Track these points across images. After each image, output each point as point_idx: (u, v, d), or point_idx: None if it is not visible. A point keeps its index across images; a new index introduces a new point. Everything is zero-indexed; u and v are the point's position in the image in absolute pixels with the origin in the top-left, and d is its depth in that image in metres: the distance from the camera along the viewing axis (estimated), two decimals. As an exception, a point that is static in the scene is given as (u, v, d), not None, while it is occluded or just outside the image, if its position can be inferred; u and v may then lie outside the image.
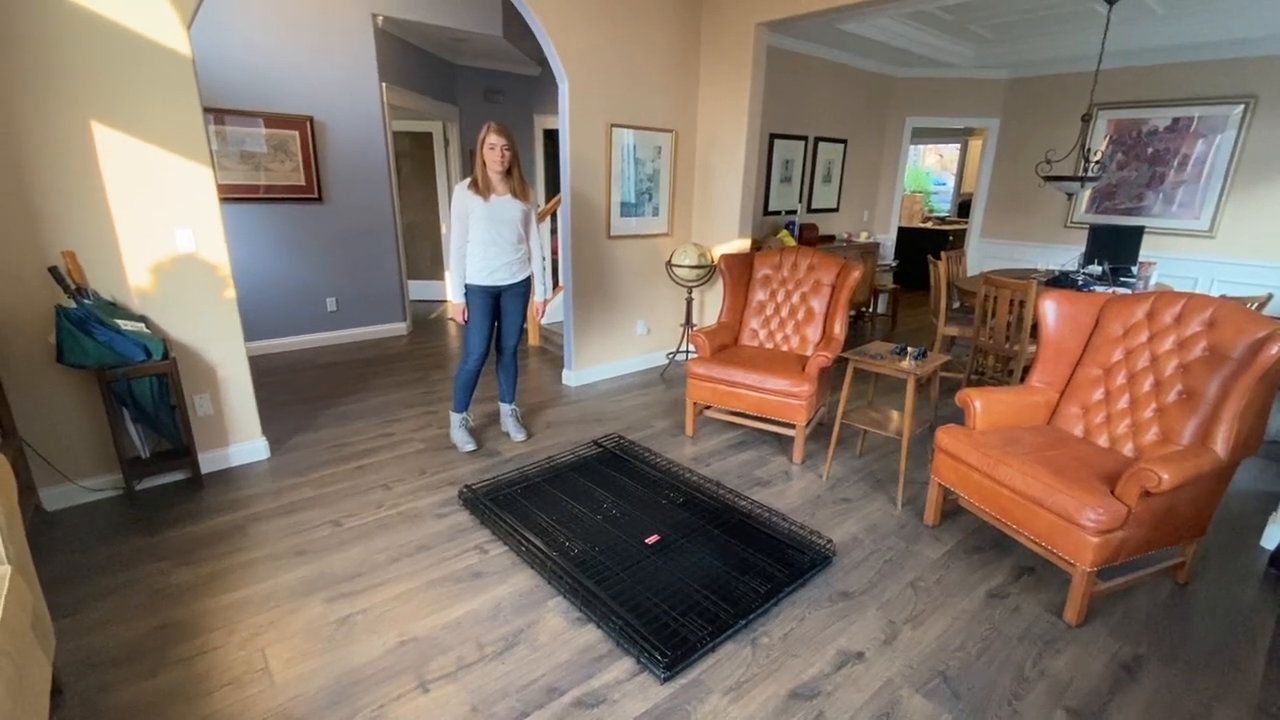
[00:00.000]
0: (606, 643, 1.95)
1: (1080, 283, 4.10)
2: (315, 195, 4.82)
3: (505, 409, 3.44)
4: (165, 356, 2.59)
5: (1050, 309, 2.68)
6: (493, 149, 2.87)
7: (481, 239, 2.99)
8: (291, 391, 4.05)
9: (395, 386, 4.21)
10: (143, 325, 2.58)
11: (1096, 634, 2.06)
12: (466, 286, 3.08)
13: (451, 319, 2.93)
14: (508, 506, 2.67)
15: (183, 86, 2.56)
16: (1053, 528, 2.09)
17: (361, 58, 4.80)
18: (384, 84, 4.96)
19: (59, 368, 2.51)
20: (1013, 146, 6.01)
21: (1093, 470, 2.17)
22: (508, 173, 2.95)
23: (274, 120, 4.54)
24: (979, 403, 2.50)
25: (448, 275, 6.80)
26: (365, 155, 5.01)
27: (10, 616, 1.38)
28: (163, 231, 2.64)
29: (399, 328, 5.55)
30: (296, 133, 4.64)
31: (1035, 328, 3.71)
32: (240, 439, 3.03)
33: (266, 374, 4.36)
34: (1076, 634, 2.06)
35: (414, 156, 6.37)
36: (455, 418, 3.29)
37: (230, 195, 4.47)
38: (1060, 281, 4.17)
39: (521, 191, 3.02)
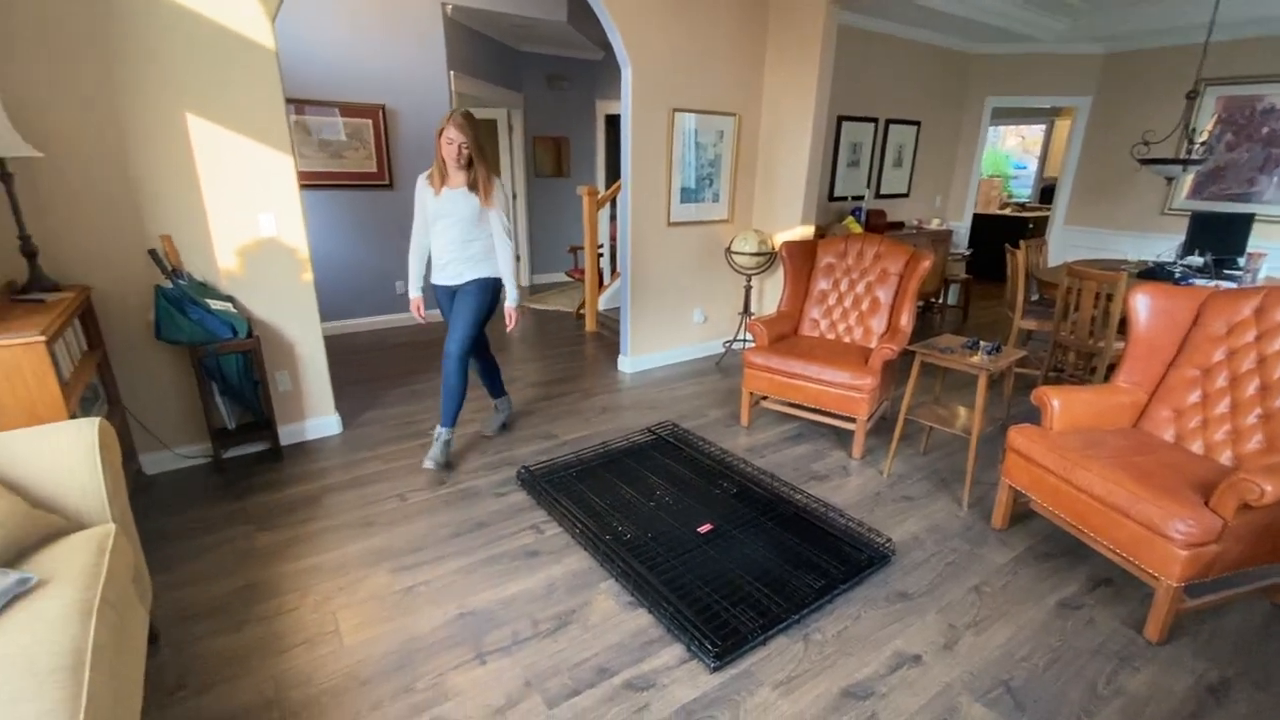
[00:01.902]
0: (657, 628, 1.97)
1: (1178, 275, 3.79)
2: (387, 182, 5.00)
3: (438, 429, 2.96)
4: (249, 335, 2.76)
5: (1143, 303, 2.49)
6: (450, 144, 2.65)
7: (436, 234, 2.84)
8: (362, 370, 4.25)
9: (458, 368, 4.34)
10: (230, 305, 2.76)
11: (1180, 654, 1.93)
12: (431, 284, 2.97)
13: (416, 313, 2.95)
14: (563, 489, 2.72)
15: (267, 78, 2.69)
16: (1136, 538, 1.96)
17: (431, 46, 4.92)
18: (452, 72, 5.07)
19: (157, 343, 2.72)
20: (1105, 127, 5.59)
21: (1184, 478, 2.02)
22: (467, 165, 2.72)
23: (349, 109, 4.72)
24: (1057, 402, 2.36)
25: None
26: (433, 142, 5.13)
27: (114, 570, 1.51)
28: (247, 217, 2.80)
29: (463, 311, 5.70)
30: (370, 121, 4.81)
31: (1123, 323, 3.46)
32: (315, 414, 3.21)
33: (339, 353, 4.58)
34: (1157, 652, 1.94)
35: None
36: (438, 430, 2.95)
37: (308, 182, 4.68)
38: (1154, 273, 3.87)
39: (483, 187, 2.74)
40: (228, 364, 2.77)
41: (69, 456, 1.63)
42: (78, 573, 1.44)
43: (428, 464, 2.86)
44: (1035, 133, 9.03)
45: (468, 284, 2.88)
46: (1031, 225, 7.55)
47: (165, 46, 2.48)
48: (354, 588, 2.13)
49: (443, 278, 2.91)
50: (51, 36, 2.30)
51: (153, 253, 2.53)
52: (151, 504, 2.59)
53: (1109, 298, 3.38)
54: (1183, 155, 4.09)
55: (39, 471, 1.60)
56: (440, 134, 2.66)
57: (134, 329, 2.67)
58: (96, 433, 1.67)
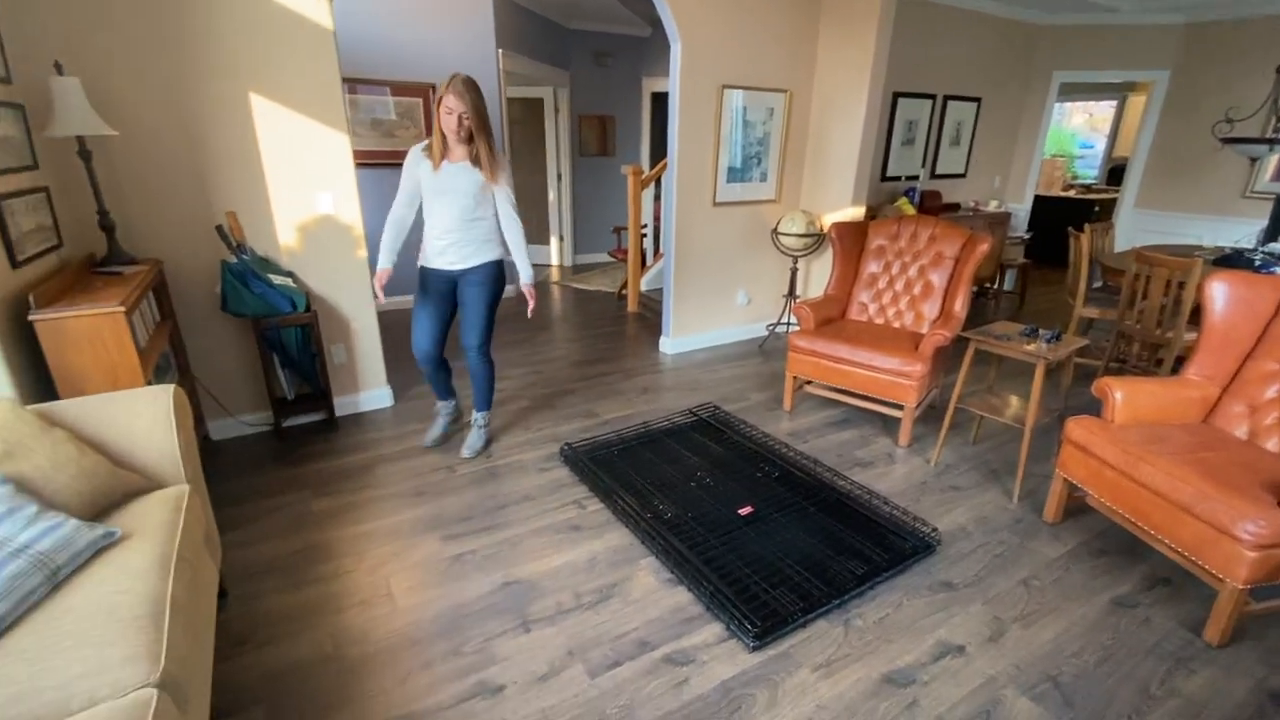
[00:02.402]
0: (696, 606, 2.00)
1: (1258, 263, 3.56)
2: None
3: (475, 416, 2.95)
4: (308, 309, 2.87)
5: (1219, 292, 2.36)
6: (449, 114, 2.37)
7: (431, 213, 2.59)
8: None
9: (504, 346, 4.42)
10: (290, 280, 2.86)
11: (1241, 657, 1.85)
12: (419, 268, 2.71)
13: (378, 285, 2.59)
14: (605, 466, 2.76)
15: (325, 58, 2.76)
16: (1200, 538, 1.88)
17: (480, 24, 4.93)
18: (500, 50, 5.09)
19: (222, 316, 2.85)
20: (1184, 103, 5.24)
21: (1256, 477, 1.92)
22: (468, 139, 2.47)
23: (400, 88, 4.79)
24: (1120, 393, 2.26)
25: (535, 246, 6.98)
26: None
27: (189, 528, 1.61)
28: (306, 194, 2.89)
29: (508, 290, 5.78)
30: (420, 100, 4.88)
31: (1195, 313, 3.28)
32: (369, 387, 3.32)
33: (391, 329, 4.71)
34: (1216, 655, 1.86)
35: (525, 123, 6.52)
36: (436, 404, 3.02)
37: (361, 161, 4.79)
38: (1232, 261, 3.64)
39: (487, 162, 2.48)
40: (288, 337, 2.89)
41: (146, 420, 1.73)
42: (156, 529, 1.54)
43: (426, 441, 2.94)
44: (1104, 110, 8.54)
45: (475, 270, 2.64)
46: (1097, 208, 7.18)
47: (229, 27, 2.56)
48: (406, 554, 2.21)
49: (441, 262, 2.63)
50: (124, 20, 2.40)
51: (219, 229, 2.64)
52: (217, 468, 2.74)
53: (1181, 286, 3.20)
54: (1270, 134, 3.81)
55: (119, 433, 1.71)
56: (439, 102, 2.39)
57: (202, 301, 2.80)
58: (171, 398, 1.77)
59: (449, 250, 2.61)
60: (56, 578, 1.33)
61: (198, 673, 1.36)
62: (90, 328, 1.93)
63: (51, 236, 2.25)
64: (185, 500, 1.67)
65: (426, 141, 2.52)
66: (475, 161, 2.50)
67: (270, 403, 2.96)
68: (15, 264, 1.95)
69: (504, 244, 2.71)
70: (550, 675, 1.73)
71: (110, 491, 1.60)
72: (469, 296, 2.67)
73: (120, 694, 1.13)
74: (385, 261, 2.59)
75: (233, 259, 2.69)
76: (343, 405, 3.25)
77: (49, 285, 1.95)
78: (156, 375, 2.34)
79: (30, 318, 1.84)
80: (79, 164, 2.35)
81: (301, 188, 2.87)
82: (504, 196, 2.60)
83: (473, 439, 2.91)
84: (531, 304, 2.69)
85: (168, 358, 2.57)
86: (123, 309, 1.95)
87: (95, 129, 2.17)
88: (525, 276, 2.65)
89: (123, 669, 1.16)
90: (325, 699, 1.65)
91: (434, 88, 4.89)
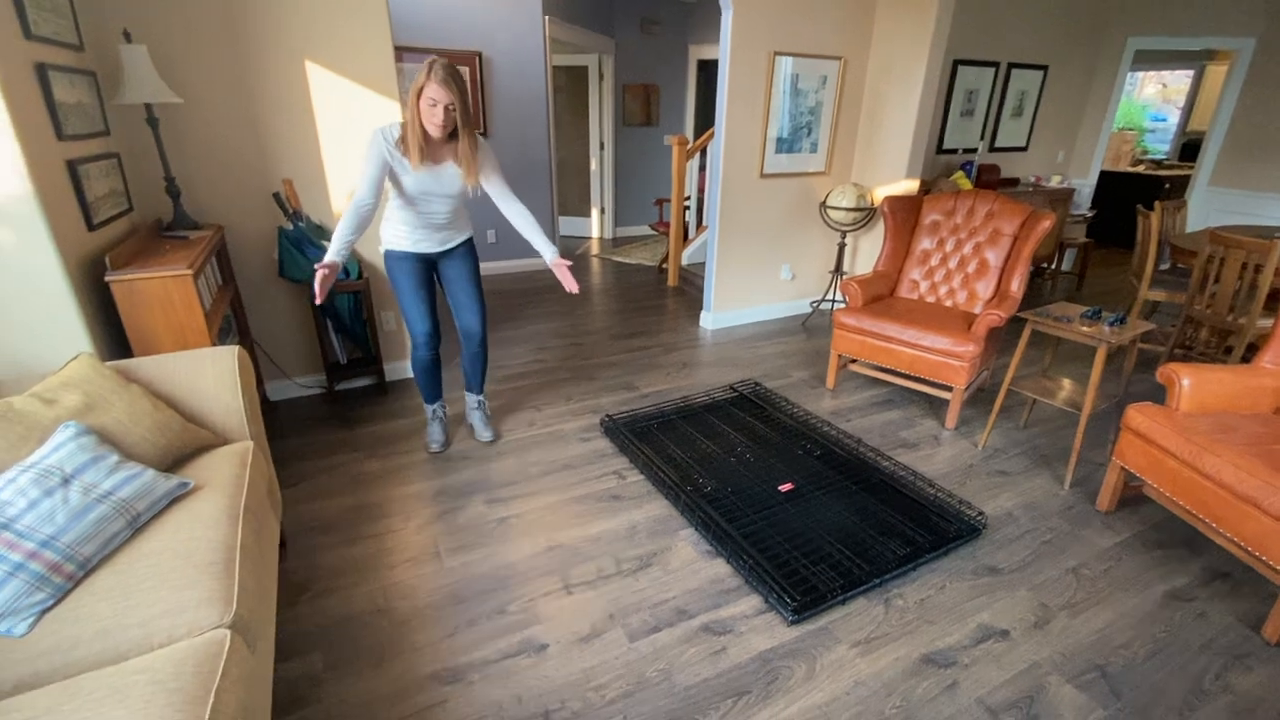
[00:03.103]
0: (735, 578, 2.01)
1: (1348, 246, 3.31)
2: (481, 130, 5.08)
3: (470, 400, 2.81)
4: (360, 277, 2.94)
5: (1304, 276, 2.21)
6: (433, 106, 2.05)
7: (404, 209, 2.31)
8: (455, 314, 4.44)
9: (545, 317, 4.46)
10: (342, 247, 2.93)
11: (1306, 658, 1.78)
12: (386, 253, 2.42)
13: (319, 280, 2.00)
14: (645, 438, 2.78)
15: (378, 26, 2.77)
16: (1267, 533, 1.80)
17: (527, -10, 4.88)
18: (546, 17, 5.03)
19: (279, 281, 2.94)
20: (1269, 74, 4.87)
21: (1335, 473, 1.82)
22: (451, 133, 2.18)
23: (445, 55, 4.79)
24: (1188, 380, 2.16)
25: (588, 215, 6.96)
26: (526, 90, 5.16)
27: (254, 482, 1.70)
28: (359, 163, 2.93)
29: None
30: (466, 69, 4.87)
31: (1271, 298, 3.10)
32: (415, 353, 3.40)
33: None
34: (1276, 653, 1.80)
35: (568, 91, 6.47)
36: (428, 409, 2.75)
37: (409, 129, 4.84)
38: (1318, 243, 3.40)
39: (470, 162, 2.20)
40: (340, 303, 2.97)
41: (213, 379, 1.82)
42: (224, 481, 1.62)
43: (433, 447, 2.69)
44: (1180, 80, 8.00)
45: (458, 247, 2.49)
46: (1168, 185, 6.78)
47: (287, -5, 2.60)
48: (452, 515, 2.29)
49: (421, 247, 2.40)
50: (190, -13, 2.45)
51: (276, 195, 2.71)
52: (275, 428, 2.86)
53: (1258, 269, 3.01)
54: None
55: (188, 390, 1.79)
56: (419, 93, 2.05)
57: (260, 267, 2.90)
58: (236, 359, 1.84)
59: (432, 235, 2.40)
60: (136, 523, 1.42)
61: (263, 617, 1.44)
62: (160, 289, 2.02)
63: (122, 201, 2.35)
64: (250, 456, 1.75)
65: (396, 126, 2.18)
66: (458, 158, 2.23)
67: (324, 366, 3.06)
68: (92, 226, 2.04)
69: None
70: (592, 637, 1.78)
71: (182, 445, 1.69)
72: (456, 272, 2.48)
73: (197, 633, 1.21)
74: (335, 253, 2.06)
75: (289, 226, 2.76)
76: (392, 370, 3.34)
77: (123, 248, 2.04)
78: (220, 337, 2.44)
79: (107, 278, 1.94)
80: (146, 131, 2.44)
81: (354, 156, 2.91)
82: (498, 185, 2.36)
83: (481, 422, 2.78)
84: (570, 280, 2.37)
85: (229, 320, 2.68)
86: (190, 272, 2.03)
87: (162, 96, 2.24)
88: (550, 253, 2.41)
89: (199, 610, 1.24)
90: (377, 649, 1.73)
91: (480, 56, 4.88)
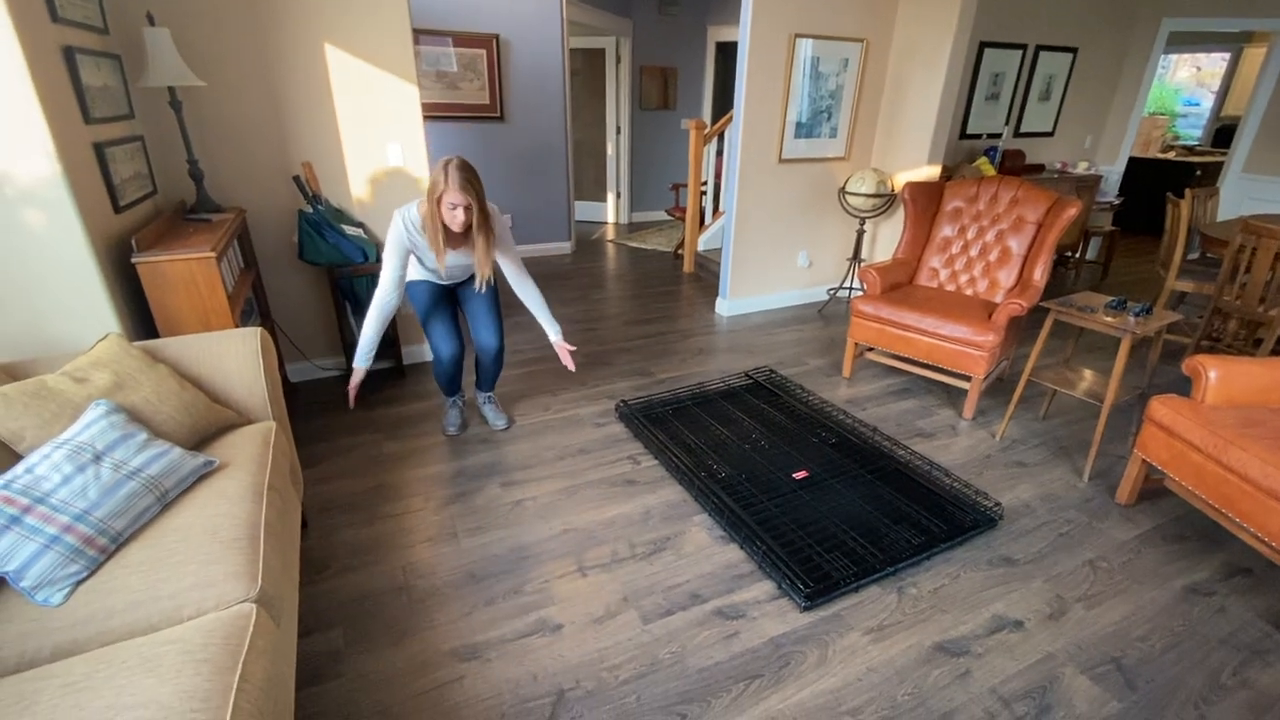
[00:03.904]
0: (749, 564, 2.02)
1: (1387, 236, 3.21)
2: (498, 114, 5.07)
3: (479, 396, 2.88)
4: (378, 259, 2.96)
5: (1340, 267, 2.15)
6: (454, 208, 2.11)
7: (425, 271, 2.46)
8: (472, 298, 4.46)
9: (560, 303, 4.47)
10: (361, 231, 2.95)
11: (1328, 655, 1.76)
12: (408, 283, 2.49)
13: (351, 390, 2.32)
14: (659, 424, 2.79)
15: (396, 7, 2.76)
16: (1292, 528, 1.77)
17: (545, -29, 4.84)
18: (564, -2, 4.98)
19: (299, 264, 2.97)
20: (1314, 55, 4.69)
21: (1365, 469, 1.78)
22: (467, 230, 2.22)
23: (462, 39, 4.77)
24: (1215, 373, 2.12)
25: (610, 200, 6.92)
26: (543, 74, 5.13)
27: (277, 460, 1.73)
28: (377, 146, 2.94)
29: (564, 247, 5.81)
30: (484, 51, 4.85)
31: (1307, 289, 3.02)
32: (432, 337, 3.43)
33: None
34: (1299, 650, 1.77)
35: (585, 74, 6.42)
36: (446, 399, 2.81)
37: (427, 114, 4.84)
38: (1356, 233, 3.30)
39: (484, 257, 2.25)
40: (360, 286, 3.00)
41: (236, 360, 1.85)
42: (248, 460, 1.66)
43: (450, 430, 2.73)
44: (1215, 63, 7.76)
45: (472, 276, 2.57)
46: (1199, 172, 6.60)
47: (307, -23, 2.59)
48: (469, 497, 2.32)
49: (439, 281, 2.53)
50: (211, -31, 2.46)
51: (296, 179, 2.73)
52: (295, 409, 2.91)
53: (1292, 259, 2.94)
54: None
55: (212, 371, 1.83)
56: (439, 200, 2.11)
57: (280, 250, 2.93)
58: (259, 340, 1.87)
59: (450, 280, 2.54)
60: (165, 499, 1.45)
61: (288, 592, 1.48)
62: (185, 271, 2.05)
63: (147, 184, 2.39)
64: (273, 435, 1.79)
65: (416, 213, 2.23)
66: (471, 249, 2.29)
67: (343, 348, 3.10)
68: (118, 209, 2.08)
69: None
70: (606, 618, 1.80)
71: (207, 424, 1.73)
72: (475, 293, 2.55)
73: (224, 606, 1.25)
74: (364, 360, 2.28)
75: (308, 209, 2.79)
76: (409, 354, 3.37)
77: (148, 230, 2.08)
78: (242, 319, 2.48)
79: (133, 260, 1.97)
80: (170, 114, 2.46)
81: (373, 139, 2.92)
82: (510, 265, 2.45)
83: (493, 413, 2.82)
84: (570, 361, 2.59)
85: (251, 303, 2.72)
86: (214, 254, 2.06)
87: (185, 79, 2.26)
88: (554, 333, 2.56)
89: (226, 584, 1.27)
90: (397, 625, 1.77)
91: (497, 39, 4.85)
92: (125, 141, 2.20)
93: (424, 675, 1.62)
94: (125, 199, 2.14)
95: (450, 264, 2.37)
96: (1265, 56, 4.99)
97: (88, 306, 1.89)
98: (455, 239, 2.27)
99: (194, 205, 2.53)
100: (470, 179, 2.11)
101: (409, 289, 2.50)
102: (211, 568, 1.30)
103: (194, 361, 1.81)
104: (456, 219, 2.14)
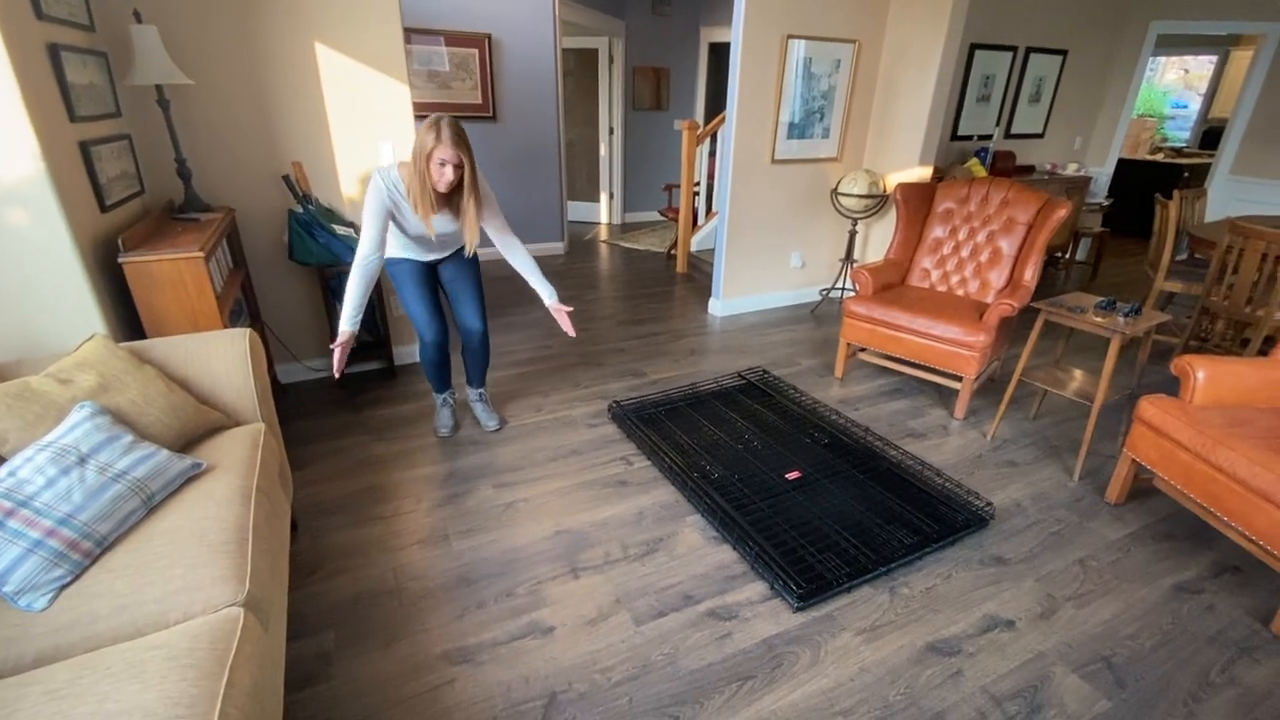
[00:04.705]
0: (741, 565, 2.02)
1: (1371, 237, 3.25)
2: (490, 114, 5.06)
3: (470, 393, 2.81)
4: (369, 259, 2.94)
5: (1325, 268, 2.17)
6: (443, 165, 2.04)
7: (409, 245, 2.37)
8: (464, 299, 4.45)
9: (553, 301, 4.45)
10: (352, 231, 2.93)
11: (1314, 652, 1.78)
12: (386, 260, 2.40)
13: (338, 352, 2.10)
14: (652, 425, 2.79)
15: (387, 6, 2.74)
16: (1279, 526, 1.78)
17: (538, -29, 4.83)
18: (557, -2, 4.97)
19: (289, 264, 2.95)
20: (1300, 58, 4.75)
21: (1350, 468, 1.80)
22: (454, 190, 2.16)
23: (455, 38, 4.75)
24: (1203, 373, 2.14)
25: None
26: (536, 73, 5.12)
27: (266, 463, 1.71)
28: (368, 145, 2.92)
29: (557, 247, 5.80)
30: (476, 51, 4.84)
31: (1293, 290, 3.05)
32: (424, 337, 3.41)
33: (443, 281, 4.81)
34: (1285, 648, 1.79)
35: (578, 74, 6.41)
36: (437, 397, 2.77)
37: (420, 114, 4.81)
38: (1340, 234, 3.34)
39: (474, 220, 2.19)
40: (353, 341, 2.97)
41: (225, 361, 1.83)
42: (237, 462, 1.64)
43: (442, 431, 2.71)
44: (1203, 66, 7.83)
45: (460, 249, 2.51)
46: (1188, 174, 6.66)
47: (297, -25, 2.57)
48: (461, 499, 2.31)
49: (421, 256, 2.44)
50: (199, -34, 2.44)
51: (286, 178, 2.71)
52: (285, 410, 2.89)
53: (1277, 260, 2.97)
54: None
55: (201, 372, 1.81)
56: (428, 155, 2.03)
57: (270, 249, 2.91)
58: (248, 341, 1.86)
59: (431, 254, 2.45)
60: (151, 502, 1.44)
61: (276, 596, 1.47)
62: (173, 271, 2.03)
63: (134, 183, 2.36)
64: (262, 437, 1.77)
65: (394, 170, 2.16)
66: (458, 213, 2.23)
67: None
68: (104, 208, 2.05)
69: None
70: (599, 620, 1.79)
71: (195, 426, 1.71)
72: (455, 272, 2.50)
73: (211, 610, 1.23)
74: (350, 322, 2.13)
75: (298, 209, 2.76)
76: (400, 355, 3.35)
77: (135, 230, 2.05)
78: (231, 319, 2.46)
79: (120, 260, 1.95)
80: (157, 112, 2.44)
81: (364, 139, 2.91)
82: (498, 227, 2.38)
83: (485, 412, 2.78)
84: (569, 325, 2.47)
85: (240, 303, 2.69)
86: (202, 254, 2.04)
87: (173, 77, 2.24)
88: (549, 295, 2.45)
89: (214, 588, 1.26)
90: (388, 628, 1.75)
91: (490, 38, 4.84)
92: (111, 140, 2.17)
93: (415, 679, 1.61)
94: (112, 198, 2.12)
95: (436, 230, 2.26)
96: (1252, 59, 5.04)
97: (73, 307, 1.87)
98: (439, 201, 2.18)
99: (182, 204, 2.50)
100: (462, 135, 2.04)
101: (390, 269, 2.42)
102: (198, 571, 1.29)
103: (181, 363, 1.79)
104: (445, 177, 2.06)
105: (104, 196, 2.06)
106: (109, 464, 1.39)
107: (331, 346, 2.13)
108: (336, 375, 2.11)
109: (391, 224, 2.25)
